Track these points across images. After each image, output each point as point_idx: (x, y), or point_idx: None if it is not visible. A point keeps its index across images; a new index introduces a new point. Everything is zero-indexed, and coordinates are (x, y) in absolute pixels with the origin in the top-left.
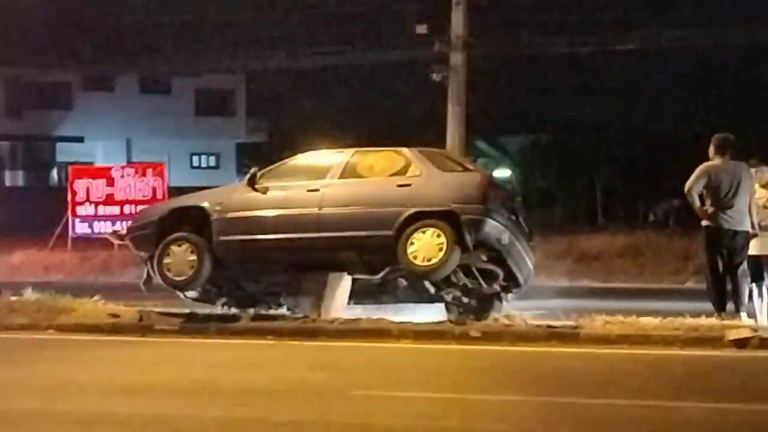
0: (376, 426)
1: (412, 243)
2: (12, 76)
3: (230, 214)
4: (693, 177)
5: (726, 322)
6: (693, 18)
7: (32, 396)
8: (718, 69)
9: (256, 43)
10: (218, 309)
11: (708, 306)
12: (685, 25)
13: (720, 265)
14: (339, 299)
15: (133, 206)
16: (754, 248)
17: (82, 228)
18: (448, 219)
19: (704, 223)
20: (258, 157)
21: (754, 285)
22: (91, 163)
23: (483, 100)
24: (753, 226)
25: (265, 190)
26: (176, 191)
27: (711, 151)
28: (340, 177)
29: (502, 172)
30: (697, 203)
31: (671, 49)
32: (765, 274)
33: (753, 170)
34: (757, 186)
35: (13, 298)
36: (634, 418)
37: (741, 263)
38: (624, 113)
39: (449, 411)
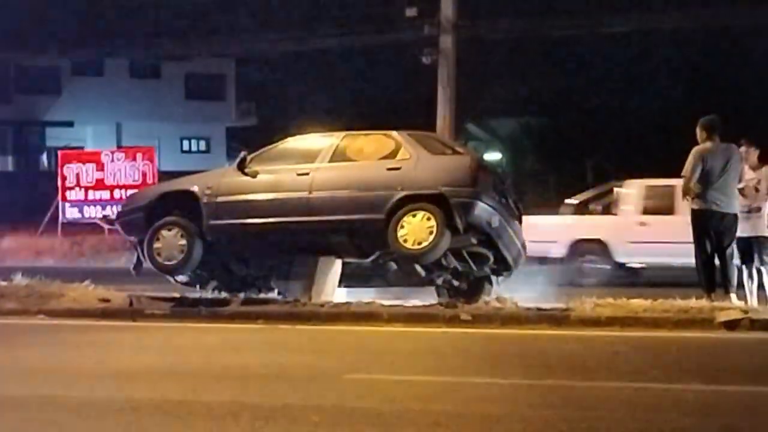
0: (367, 409)
1: (402, 226)
2: (1, 60)
3: (220, 198)
4: (689, 165)
5: (716, 303)
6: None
7: (22, 381)
8: (712, 51)
9: (245, 27)
10: (208, 293)
11: (698, 288)
12: (678, 6)
13: (709, 247)
14: (329, 283)
15: (123, 191)
16: (743, 230)
17: (72, 213)
18: (438, 202)
19: (693, 206)
20: (248, 141)
21: (744, 266)
22: (81, 148)
23: (473, 82)
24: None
25: (254, 174)
26: (166, 176)
27: (700, 134)
28: (330, 161)
29: (493, 155)
30: (695, 191)
31: (664, 30)
32: (755, 255)
33: (742, 150)
34: (746, 167)
35: (3, 283)
36: (625, 401)
37: (730, 245)
38: (615, 95)
39: (441, 394)
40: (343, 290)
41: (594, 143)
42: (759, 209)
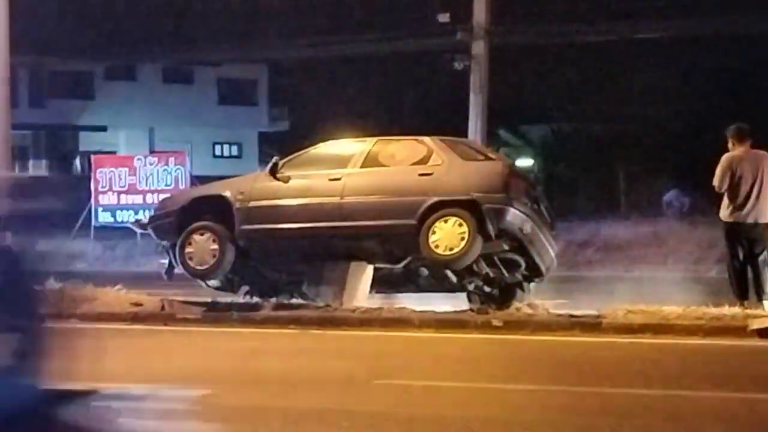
0: (398, 415)
1: (434, 232)
2: (35, 66)
3: (252, 203)
4: (719, 173)
5: (749, 311)
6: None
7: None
8: (746, 57)
9: (278, 32)
10: (240, 298)
11: (730, 295)
12: (709, 14)
13: (741, 254)
14: (361, 288)
15: (155, 195)
16: None
17: (104, 217)
18: (470, 208)
19: (725, 216)
20: (280, 146)
21: None
22: (114, 152)
23: (505, 89)
24: None
25: (287, 179)
26: (198, 180)
27: (730, 142)
28: (362, 166)
29: (525, 161)
30: (727, 202)
31: (698, 36)
32: None
33: None
34: None
35: (36, 287)
36: (657, 408)
37: (762, 252)
38: (648, 102)
39: (472, 400)
40: (381, 297)
41: (626, 150)
42: None
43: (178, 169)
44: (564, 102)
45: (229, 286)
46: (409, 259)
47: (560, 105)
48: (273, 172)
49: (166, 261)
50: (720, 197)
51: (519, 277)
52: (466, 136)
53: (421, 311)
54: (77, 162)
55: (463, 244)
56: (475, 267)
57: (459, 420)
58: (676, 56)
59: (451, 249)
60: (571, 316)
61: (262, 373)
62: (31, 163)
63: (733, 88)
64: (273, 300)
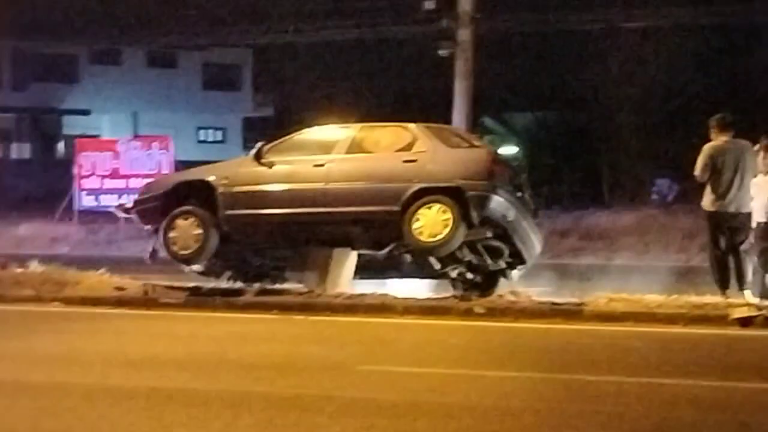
0: (380, 401)
1: (417, 219)
2: (18, 49)
3: (236, 189)
4: (700, 163)
5: (730, 300)
6: None
7: (37, 368)
8: (733, 46)
9: (262, 17)
10: (223, 283)
11: (712, 284)
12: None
13: (723, 243)
14: (344, 274)
15: (139, 180)
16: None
17: (88, 201)
18: (453, 195)
19: (706, 206)
20: (265, 131)
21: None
22: (98, 136)
23: (490, 76)
24: None
25: (271, 165)
26: (182, 165)
27: (712, 131)
28: (346, 152)
29: (509, 149)
30: (709, 191)
31: (679, 26)
32: None
33: (758, 149)
34: (763, 170)
35: (19, 271)
36: (639, 396)
37: (743, 242)
38: (632, 90)
39: (454, 386)
40: (364, 283)
41: (611, 138)
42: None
43: (162, 153)
44: (549, 90)
45: (212, 271)
46: (392, 245)
47: (545, 93)
48: (257, 158)
49: (150, 245)
50: (703, 186)
51: (502, 264)
52: (450, 123)
53: (404, 298)
54: (61, 146)
55: (446, 231)
56: (458, 254)
57: (441, 406)
58: (660, 43)
59: (434, 236)
60: (554, 303)
61: (243, 358)
62: (14, 146)
63: (718, 75)
64: (256, 285)
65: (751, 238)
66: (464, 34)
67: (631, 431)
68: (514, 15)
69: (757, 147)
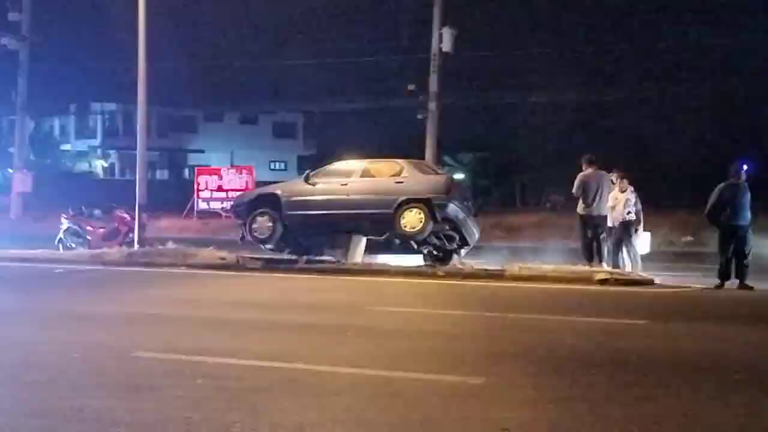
0: (379, 328)
1: (403, 217)
2: (162, 112)
3: (293, 198)
4: (576, 185)
5: (594, 269)
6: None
7: (175, 306)
8: (590, 116)
9: (308, 93)
10: (285, 256)
11: (583, 259)
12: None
13: (589, 234)
14: (358, 251)
15: (234, 193)
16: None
17: (203, 205)
18: (425, 203)
19: (580, 211)
20: (310, 164)
21: (616, 248)
22: (208, 166)
23: (448, 131)
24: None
25: (314, 184)
26: (260, 184)
27: (583, 165)
28: (360, 176)
29: (459, 176)
30: (581, 202)
31: (568, 102)
32: (623, 243)
33: (613, 177)
34: (617, 191)
35: (161, 247)
36: (534, 326)
37: (602, 233)
38: (534, 140)
39: (423, 320)
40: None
41: (521, 169)
42: (626, 220)
43: (248, 177)
44: (483, 139)
45: (278, 249)
46: (387, 233)
47: (481, 141)
48: (306, 180)
49: (240, 233)
50: (577, 199)
51: (455, 246)
52: (424, 159)
53: (395, 265)
54: (186, 171)
55: (421, 225)
56: (428, 239)
57: (416, 332)
58: (552, 113)
59: (413, 228)
60: (486, 269)
61: (296, 301)
62: (158, 171)
63: (590, 132)
64: (305, 257)
65: (607, 232)
66: (433, 106)
67: (526, 342)
68: (463, 94)
69: (612, 175)
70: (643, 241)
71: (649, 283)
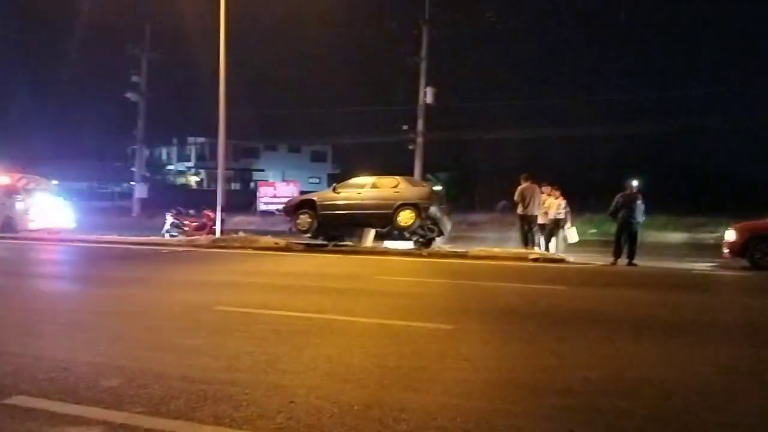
0: (383, 290)
1: (399, 215)
2: (236, 144)
3: (325, 202)
4: (517, 195)
5: (529, 251)
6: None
7: (243, 276)
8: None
9: (336, 130)
10: (318, 241)
11: (521, 245)
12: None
13: (525, 227)
14: (369, 238)
15: (284, 198)
16: (548, 226)
17: (263, 207)
18: (415, 206)
19: (519, 212)
20: (336, 179)
21: (543, 239)
22: (267, 181)
23: (430, 157)
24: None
25: (339, 192)
26: (302, 193)
27: (522, 180)
28: (371, 187)
29: (438, 187)
30: (520, 206)
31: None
32: (552, 237)
33: (544, 188)
34: (550, 198)
35: (234, 235)
36: (488, 289)
37: (535, 226)
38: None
39: (412, 286)
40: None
41: (479, 182)
42: (556, 219)
43: (294, 188)
44: (454, 162)
45: (314, 237)
46: (389, 227)
47: (453, 163)
48: (333, 190)
49: (289, 226)
50: (517, 204)
51: (434, 235)
52: (414, 176)
53: (394, 248)
54: (252, 185)
55: (411, 221)
56: (417, 230)
57: (407, 293)
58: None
59: (406, 223)
60: (455, 251)
61: (326, 272)
62: (232, 184)
63: (522, 155)
64: (332, 243)
65: (539, 227)
66: (419, 140)
67: (483, 300)
68: (440, 131)
69: (544, 188)
70: (572, 234)
71: (565, 261)
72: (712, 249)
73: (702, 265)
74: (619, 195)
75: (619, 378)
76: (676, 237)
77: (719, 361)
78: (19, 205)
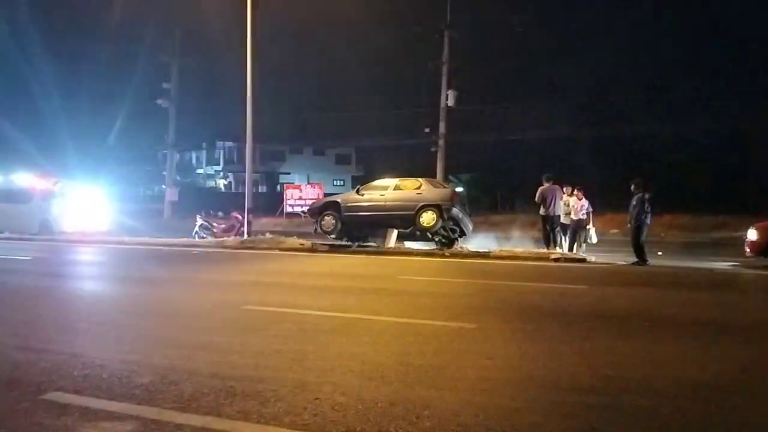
0: (406, 290)
1: (422, 216)
2: (262, 147)
3: (349, 204)
4: (538, 194)
5: (551, 252)
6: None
7: (270, 276)
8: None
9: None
10: (343, 242)
11: (543, 245)
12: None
13: (548, 228)
14: (392, 239)
15: (309, 201)
16: (570, 226)
17: (290, 209)
18: (437, 207)
19: (541, 213)
20: (360, 181)
21: (566, 239)
22: (293, 183)
23: (452, 159)
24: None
25: (362, 194)
26: (327, 195)
27: (543, 181)
28: (393, 189)
29: (459, 189)
30: (542, 207)
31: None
32: (575, 237)
33: (566, 189)
34: (568, 197)
35: (261, 237)
36: (510, 289)
37: (557, 228)
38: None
39: (434, 284)
40: (398, 242)
41: (500, 185)
42: (578, 219)
43: (319, 190)
44: (477, 164)
45: (339, 238)
46: (411, 227)
47: (476, 165)
48: (357, 191)
49: (314, 227)
50: (539, 205)
51: (456, 235)
52: (436, 177)
53: (417, 249)
54: (278, 186)
55: (434, 221)
56: (439, 231)
57: (430, 293)
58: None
59: (429, 224)
60: (477, 251)
61: (350, 272)
62: (259, 187)
63: (543, 157)
64: (356, 243)
65: (561, 227)
66: (441, 142)
67: (505, 299)
68: (462, 133)
69: (565, 189)
70: (593, 234)
71: (587, 261)
72: (734, 248)
73: (724, 265)
74: (634, 197)
75: (642, 376)
76: (697, 237)
77: (744, 359)
78: (55, 208)
